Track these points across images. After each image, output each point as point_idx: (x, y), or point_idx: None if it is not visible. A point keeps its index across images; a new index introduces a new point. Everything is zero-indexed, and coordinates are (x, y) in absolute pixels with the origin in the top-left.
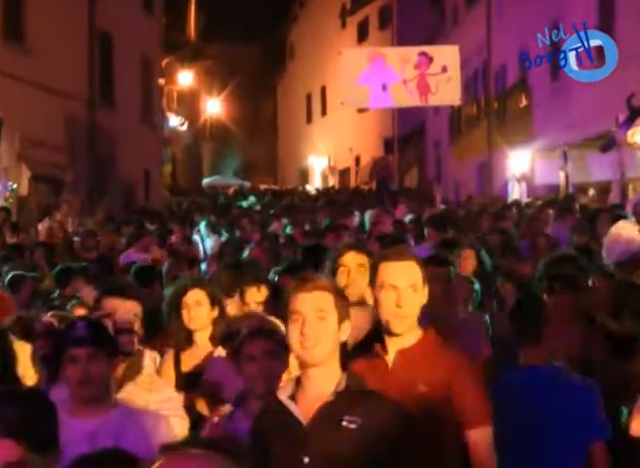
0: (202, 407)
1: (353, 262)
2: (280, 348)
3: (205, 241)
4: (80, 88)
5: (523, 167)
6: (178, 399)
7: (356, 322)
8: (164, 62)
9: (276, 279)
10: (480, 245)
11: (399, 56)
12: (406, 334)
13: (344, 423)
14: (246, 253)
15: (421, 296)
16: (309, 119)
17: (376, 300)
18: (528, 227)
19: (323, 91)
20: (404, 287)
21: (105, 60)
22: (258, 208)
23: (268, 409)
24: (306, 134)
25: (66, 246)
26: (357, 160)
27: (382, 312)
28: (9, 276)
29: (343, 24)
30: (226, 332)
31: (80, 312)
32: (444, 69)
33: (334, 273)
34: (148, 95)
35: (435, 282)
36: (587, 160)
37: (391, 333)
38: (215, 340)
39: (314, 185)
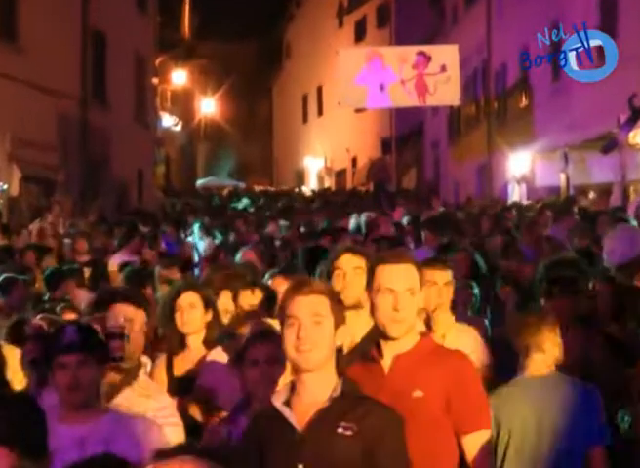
0: (195, 412)
1: (349, 265)
2: (281, 352)
3: (198, 244)
4: (73, 87)
5: (523, 168)
6: (173, 406)
7: (352, 326)
8: (158, 61)
9: (270, 281)
10: (474, 248)
11: (397, 55)
12: (403, 339)
13: (340, 430)
14: (239, 256)
15: (419, 300)
16: (305, 119)
17: (372, 304)
18: (528, 231)
19: (319, 91)
20: (401, 290)
21: (98, 59)
22: (252, 209)
23: (262, 415)
24: (303, 134)
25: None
26: (354, 161)
27: (379, 316)
28: (0, 278)
29: (341, 23)
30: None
31: (69, 316)
32: (443, 69)
33: (329, 276)
34: (142, 94)
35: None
36: (588, 161)
37: (388, 338)
38: (208, 344)
39: (310, 187)
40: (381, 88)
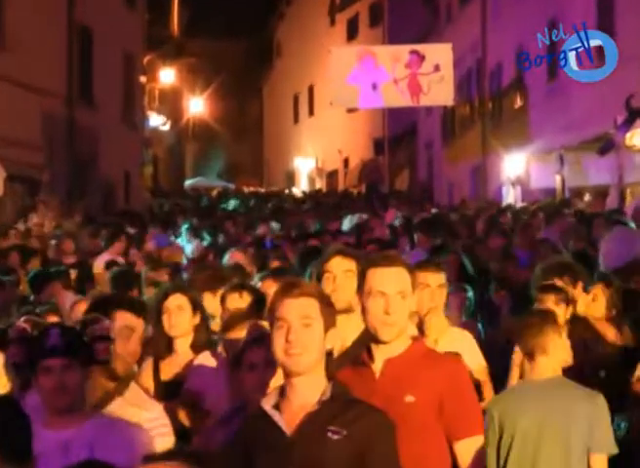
0: (183, 417)
1: (339, 268)
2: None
3: (186, 246)
4: (58, 85)
5: (518, 170)
6: (164, 415)
7: (343, 330)
8: (146, 59)
9: (260, 284)
10: (465, 250)
11: (390, 54)
12: (394, 342)
13: (329, 433)
14: (226, 258)
15: (410, 303)
16: (296, 119)
17: (363, 307)
18: (523, 233)
19: (311, 90)
20: (392, 293)
21: (85, 57)
22: (241, 211)
23: (252, 419)
24: (293, 134)
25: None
26: (346, 162)
27: (370, 319)
28: None
29: (332, 21)
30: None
31: (52, 319)
32: (436, 68)
33: (319, 279)
34: (129, 92)
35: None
36: (584, 163)
37: (379, 341)
38: (196, 348)
39: (301, 188)
40: (374, 87)
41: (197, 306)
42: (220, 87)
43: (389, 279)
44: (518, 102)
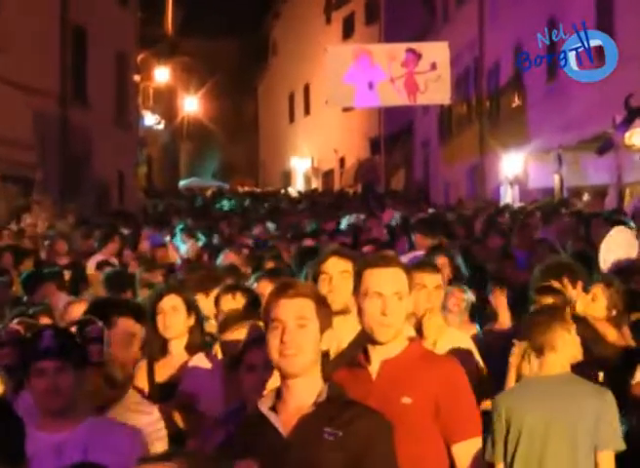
0: (178, 419)
1: (335, 269)
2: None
3: (181, 247)
4: (51, 84)
5: (516, 169)
6: (161, 418)
7: (339, 331)
8: (139, 58)
9: (255, 285)
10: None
11: (386, 53)
12: (391, 344)
13: (325, 435)
14: (220, 258)
15: (407, 304)
16: (292, 119)
17: (360, 308)
18: (521, 234)
19: (306, 89)
20: (389, 294)
21: (78, 56)
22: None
23: (249, 421)
24: (289, 134)
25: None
26: (342, 161)
27: (367, 320)
28: None
29: (328, 20)
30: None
31: (45, 321)
32: (433, 67)
33: (315, 280)
34: (123, 92)
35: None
36: (583, 163)
37: (375, 342)
38: (191, 349)
39: (297, 188)
40: (370, 86)
41: (192, 307)
42: (214, 86)
43: (386, 280)
44: (516, 101)
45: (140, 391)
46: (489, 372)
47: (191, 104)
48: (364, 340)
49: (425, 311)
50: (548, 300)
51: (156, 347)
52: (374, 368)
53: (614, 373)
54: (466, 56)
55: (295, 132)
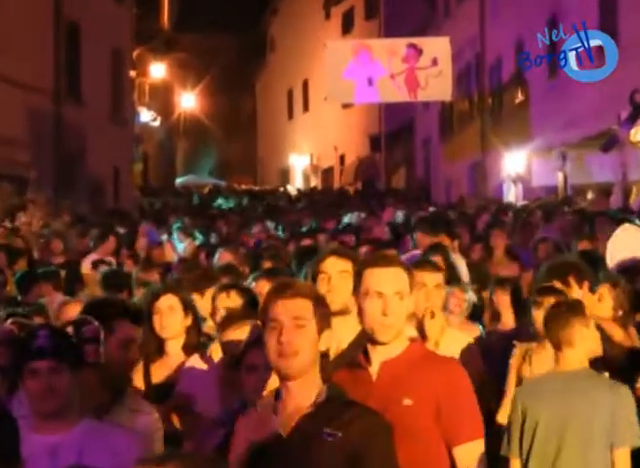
0: (174, 420)
1: (334, 269)
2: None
3: (178, 246)
4: (45, 81)
5: (519, 167)
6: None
7: (338, 332)
8: (135, 54)
9: (253, 284)
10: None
11: (386, 48)
12: (391, 344)
13: (325, 436)
14: (216, 258)
15: (408, 304)
16: (291, 115)
17: (360, 308)
18: (523, 233)
19: (305, 85)
20: (390, 294)
21: (73, 52)
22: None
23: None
24: (287, 131)
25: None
26: (341, 159)
27: (367, 321)
28: None
29: (327, 15)
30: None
31: (38, 321)
32: (434, 62)
33: (314, 279)
34: (118, 88)
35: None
36: (587, 160)
37: (376, 343)
38: (188, 350)
39: (296, 185)
40: (370, 82)
41: (189, 307)
42: (211, 82)
43: (387, 279)
44: (519, 98)
45: (137, 392)
46: (491, 374)
47: (188, 101)
48: (364, 341)
49: (427, 311)
50: (550, 301)
51: (152, 347)
52: (374, 368)
53: (620, 374)
54: (468, 51)
55: (293, 128)
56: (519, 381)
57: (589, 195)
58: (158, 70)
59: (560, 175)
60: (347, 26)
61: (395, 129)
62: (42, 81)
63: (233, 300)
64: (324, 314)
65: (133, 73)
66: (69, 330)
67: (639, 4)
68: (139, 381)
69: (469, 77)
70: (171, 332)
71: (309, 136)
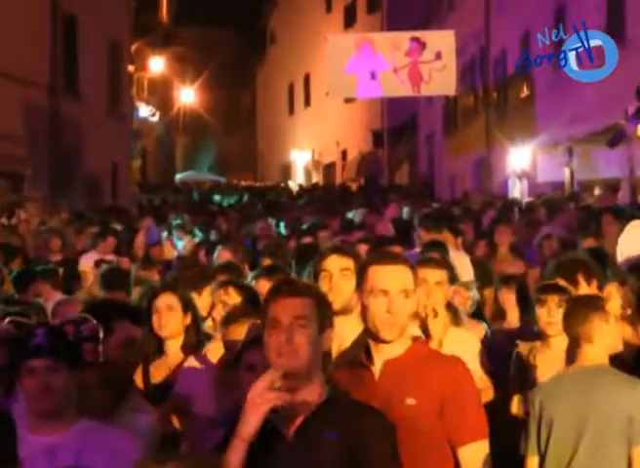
0: (173, 421)
1: (336, 267)
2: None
3: (177, 244)
4: (42, 75)
5: (524, 163)
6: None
7: (340, 330)
8: (133, 47)
9: (253, 283)
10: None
11: (389, 42)
12: (394, 343)
13: (326, 436)
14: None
15: (413, 302)
16: (292, 110)
17: (364, 306)
18: (527, 230)
19: (307, 80)
20: (395, 292)
21: (70, 45)
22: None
23: None
24: (288, 126)
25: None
26: (343, 154)
27: (372, 319)
28: None
29: (329, 8)
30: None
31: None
32: (438, 56)
33: (316, 278)
34: (116, 82)
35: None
36: (594, 155)
37: (379, 341)
38: (187, 350)
39: (297, 181)
40: (372, 76)
41: (188, 306)
42: (211, 76)
43: (392, 277)
44: (524, 92)
45: (138, 391)
46: (496, 373)
47: (187, 95)
48: (366, 340)
49: (429, 309)
50: (554, 299)
51: (152, 347)
52: (377, 368)
53: (628, 373)
54: (472, 44)
55: (294, 124)
56: (523, 381)
57: (596, 191)
58: (157, 64)
59: (566, 171)
60: (349, 20)
61: (398, 124)
62: (38, 75)
63: (232, 298)
64: (325, 313)
65: (131, 67)
66: (68, 328)
67: None
68: (137, 381)
69: (474, 71)
70: (170, 332)
71: (311, 131)
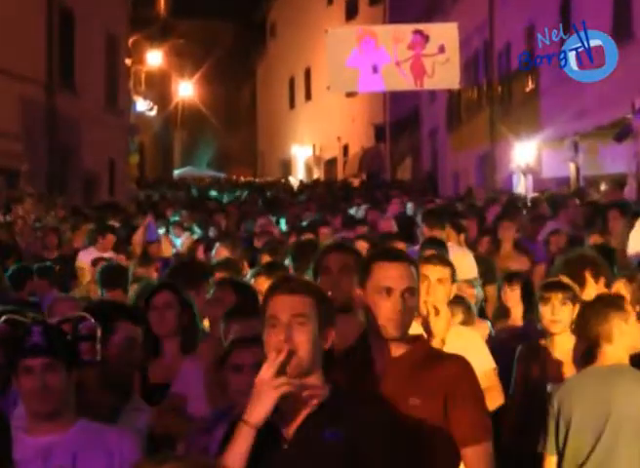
0: (169, 422)
1: (337, 264)
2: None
3: (176, 241)
4: (38, 70)
5: (529, 158)
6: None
7: (342, 328)
8: (131, 41)
9: (252, 281)
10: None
11: (391, 34)
12: (397, 342)
13: (327, 436)
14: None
15: (417, 301)
16: (292, 104)
17: (367, 304)
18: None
19: (307, 73)
20: (400, 290)
21: (66, 39)
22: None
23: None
24: (289, 121)
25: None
26: (345, 149)
27: (375, 317)
28: None
29: (330, 0)
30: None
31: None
32: (441, 49)
33: (316, 275)
34: (113, 77)
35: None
36: (600, 150)
37: (382, 340)
38: (185, 349)
39: (298, 177)
40: (374, 70)
41: (186, 304)
42: (210, 70)
43: (397, 274)
44: (529, 86)
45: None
46: (501, 372)
47: (186, 89)
48: (369, 338)
49: (430, 307)
50: (558, 297)
51: (149, 346)
52: (379, 367)
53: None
54: (476, 38)
55: (295, 118)
56: (526, 380)
57: (602, 187)
58: (155, 58)
59: (572, 167)
60: (351, 12)
61: (401, 118)
62: (34, 70)
63: (229, 296)
64: (326, 311)
65: (128, 61)
66: (65, 327)
67: None
68: (135, 381)
69: (478, 65)
70: (167, 330)
71: (312, 125)
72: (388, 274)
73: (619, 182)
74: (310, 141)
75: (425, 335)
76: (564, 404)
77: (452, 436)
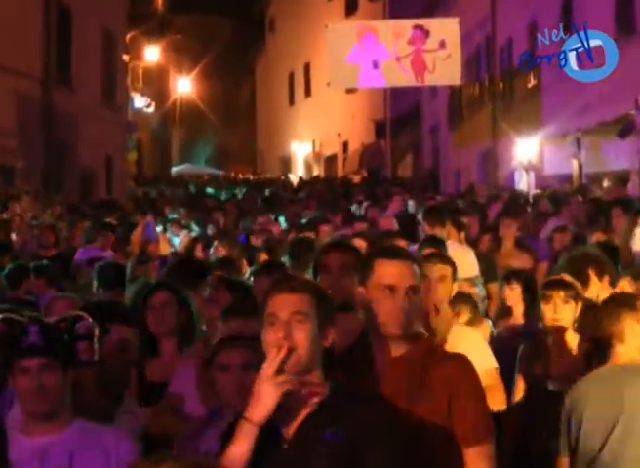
0: (165, 421)
1: (336, 262)
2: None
3: (173, 240)
4: (34, 65)
5: (531, 155)
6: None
7: (342, 326)
8: (128, 37)
9: (252, 279)
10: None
11: (392, 30)
12: (398, 341)
13: (327, 436)
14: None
15: (419, 299)
16: (292, 101)
17: (369, 302)
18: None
19: (307, 69)
20: (403, 288)
21: (63, 35)
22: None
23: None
24: (288, 117)
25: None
26: (345, 146)
27: (377, 315)
28: None
29: None
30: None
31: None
32: (442, 45)
33: (316, 274)
34: (111, 73)
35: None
36: (603, 147)
37: (383, 339)
38: (183, 348)
39: (297, 174)
40: (375, 66)
41: (184, 303)
42: (208, 66)
43: (400, 272)
44: (531, 82)
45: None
46: (502, 371)
47: (184, 86)
48: (369, 337)
49: (431, 305)
50: (560, 295)
51: (146, 345)
52: (380, 366)
53: None
54: (478, 33)
55: (295, 115)
56: (528, 380)
57: (605, 183)
58: (152, 54)
59: (575, 163)
60: (351, 7)
61: (401, 114)
62: (30, 65)
63: (225, 295)
64: (326, 310)
65: (126, 57)
66: (62, 326)
67: None
68: (132, 381)
69: (479, 60)
70: (165, 329)
71: (311, 122)
72: (391, 272)
73: (622, 179)
74: (310, 138)
75: (426, 334)
76: (576, 404)
77: (454, 436)
